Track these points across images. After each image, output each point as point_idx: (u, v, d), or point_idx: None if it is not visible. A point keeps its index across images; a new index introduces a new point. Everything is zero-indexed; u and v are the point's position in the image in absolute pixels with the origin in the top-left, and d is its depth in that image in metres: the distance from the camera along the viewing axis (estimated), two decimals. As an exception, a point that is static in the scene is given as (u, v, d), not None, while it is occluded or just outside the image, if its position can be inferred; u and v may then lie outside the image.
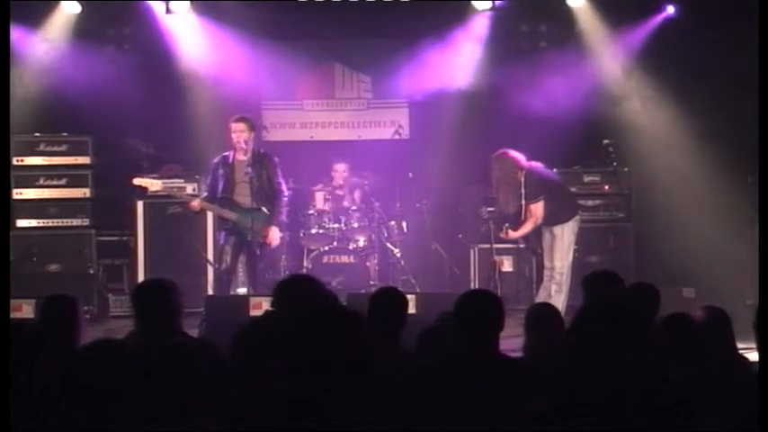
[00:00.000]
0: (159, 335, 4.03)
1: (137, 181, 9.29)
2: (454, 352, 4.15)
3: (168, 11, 10.33)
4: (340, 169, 10.48)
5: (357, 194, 10.55)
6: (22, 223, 10.06)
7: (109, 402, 2.87)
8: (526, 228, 8.78)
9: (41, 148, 10.26)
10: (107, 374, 2.89)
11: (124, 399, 2.87)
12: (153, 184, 9.29)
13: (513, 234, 8.88)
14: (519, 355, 4.79)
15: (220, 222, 9.14)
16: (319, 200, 10.41)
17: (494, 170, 8.90)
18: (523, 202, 8.77)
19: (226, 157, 8.93)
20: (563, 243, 8.77)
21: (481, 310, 4.12)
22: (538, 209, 8.73)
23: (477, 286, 9.77)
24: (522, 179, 8.77)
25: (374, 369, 3.04)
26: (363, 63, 11.47)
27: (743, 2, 9.36)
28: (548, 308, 5.28)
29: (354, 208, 10.24)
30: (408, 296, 5.52)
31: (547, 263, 8.81)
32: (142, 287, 5.03)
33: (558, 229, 8.76)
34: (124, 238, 10.32)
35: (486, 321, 4.09)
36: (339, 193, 10.48)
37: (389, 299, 4.96)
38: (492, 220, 9.54)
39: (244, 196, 8.78)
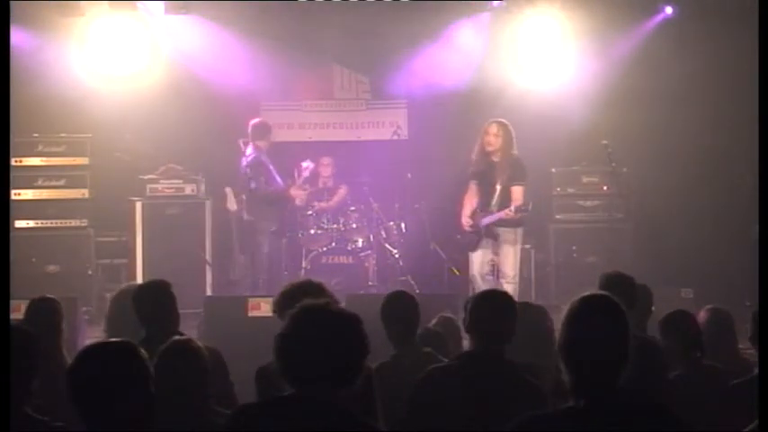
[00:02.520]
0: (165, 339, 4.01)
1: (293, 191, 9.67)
2: (462, 353, 4.13)
3: (167, 11, 10.32)
4: (325, 162, 10.55)
5: (344, 189, 10.52)
6: (20, 224, 10.05)
7: (111, 402, 2.85)
8: (513, 212, 8.52)
9: (40, 148, 10.26)
10: (110, 374, 2.87)
11: (128, 399, 2.86)
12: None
13: (507, 212, 8.53)
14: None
15: (270, 224, 9.51)
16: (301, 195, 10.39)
17: (493, 135, 8.71)
18: (499, 185, 8.63)
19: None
20: (516, 249, 8.73)
21: (495, 310, 4.08)
22: (518, 193, 8.61)
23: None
24: (513, 160, 8.72)
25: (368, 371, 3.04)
26: (362, 64, 11.48)
27: (741, 2, 9.36)
28: (539, 309, 5.24)
29: (353, 209, 10.25)
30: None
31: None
32: (144, 289, 5.01)
33: (510, 234, 8.68)
34: (123, 239, 10.31)
35: (501, 322, 4.05)
36: (324, 184, 10.52)
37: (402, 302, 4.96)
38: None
39: None
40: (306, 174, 9.91)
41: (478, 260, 8.78)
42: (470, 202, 8.90)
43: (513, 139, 8.76)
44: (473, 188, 8.93)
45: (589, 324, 2.80)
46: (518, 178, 8.67)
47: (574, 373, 2.79)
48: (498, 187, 8.68)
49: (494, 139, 8.72)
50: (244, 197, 9.47)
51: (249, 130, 9.67)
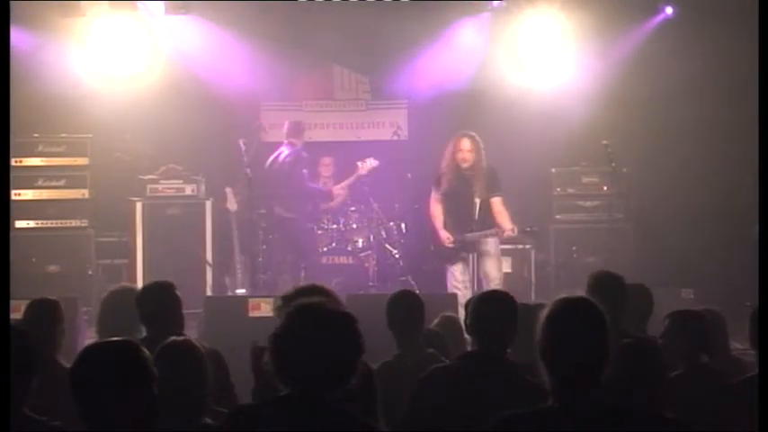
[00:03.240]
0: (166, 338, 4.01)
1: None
2: (464, 354, 4.13)
3: (167, 11, 10.32)
4: (326, 163, 10.55)
5: (345, 190, 10.51)
6: (20, 224, 10.04)
7: (111, 402, 2.85)
8: (515, 233, 8.55)
9: (40, 148, 10.26)
10: (112, 374, 2.87)
11: (129, 399, 2.86)
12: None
13: (509, 232, 8.55)
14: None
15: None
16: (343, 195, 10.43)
17: (467, 151, 8.62)
18: (477, 198, 8.60)
19: None
20: (498, 257, 8.71)
21: (497, 311, 4.08)
22: (500, 204, 8.60)
23: (475, 288, 9.74)
24: (487, 171, 8.67)
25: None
26: (362, 64, 11.48)
27: (741, 2, 9.36)
28: (536, 306, 5.22)
29: (353, 209, 10.25)
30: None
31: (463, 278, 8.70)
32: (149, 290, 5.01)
33: (491, 247, 8.65)
34: (123, 239, 10.31)
35: (503, 323, 4.05)
36: (325, 184, 10.53)
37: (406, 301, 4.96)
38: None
39: None
40: (363, 172, 10.06)
41: (459, 273, 8.74)
42: (439, 215, 8.81)
43: (482, 149, 8.69)
44: (437, 198, 8.84)
45: (565, 326, 2.84)
46: (495, 189, 8.66)
47: (552, 374, 2.83)
48: (477, 200, 8.65)
49: (468, 155, 8.66)
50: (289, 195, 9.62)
51: (285, 128, 10.03)
